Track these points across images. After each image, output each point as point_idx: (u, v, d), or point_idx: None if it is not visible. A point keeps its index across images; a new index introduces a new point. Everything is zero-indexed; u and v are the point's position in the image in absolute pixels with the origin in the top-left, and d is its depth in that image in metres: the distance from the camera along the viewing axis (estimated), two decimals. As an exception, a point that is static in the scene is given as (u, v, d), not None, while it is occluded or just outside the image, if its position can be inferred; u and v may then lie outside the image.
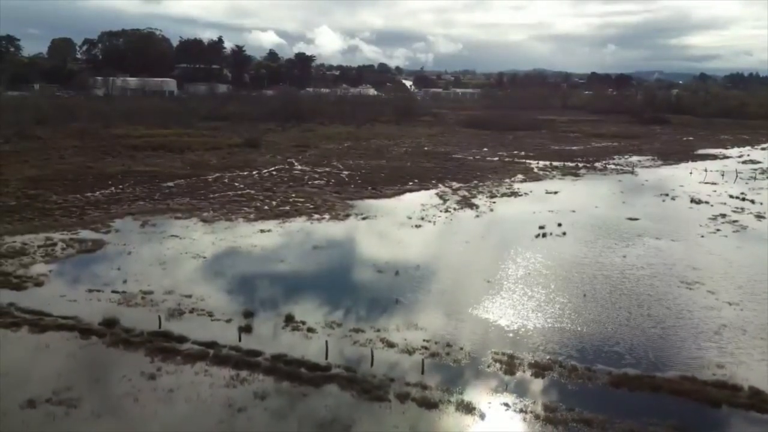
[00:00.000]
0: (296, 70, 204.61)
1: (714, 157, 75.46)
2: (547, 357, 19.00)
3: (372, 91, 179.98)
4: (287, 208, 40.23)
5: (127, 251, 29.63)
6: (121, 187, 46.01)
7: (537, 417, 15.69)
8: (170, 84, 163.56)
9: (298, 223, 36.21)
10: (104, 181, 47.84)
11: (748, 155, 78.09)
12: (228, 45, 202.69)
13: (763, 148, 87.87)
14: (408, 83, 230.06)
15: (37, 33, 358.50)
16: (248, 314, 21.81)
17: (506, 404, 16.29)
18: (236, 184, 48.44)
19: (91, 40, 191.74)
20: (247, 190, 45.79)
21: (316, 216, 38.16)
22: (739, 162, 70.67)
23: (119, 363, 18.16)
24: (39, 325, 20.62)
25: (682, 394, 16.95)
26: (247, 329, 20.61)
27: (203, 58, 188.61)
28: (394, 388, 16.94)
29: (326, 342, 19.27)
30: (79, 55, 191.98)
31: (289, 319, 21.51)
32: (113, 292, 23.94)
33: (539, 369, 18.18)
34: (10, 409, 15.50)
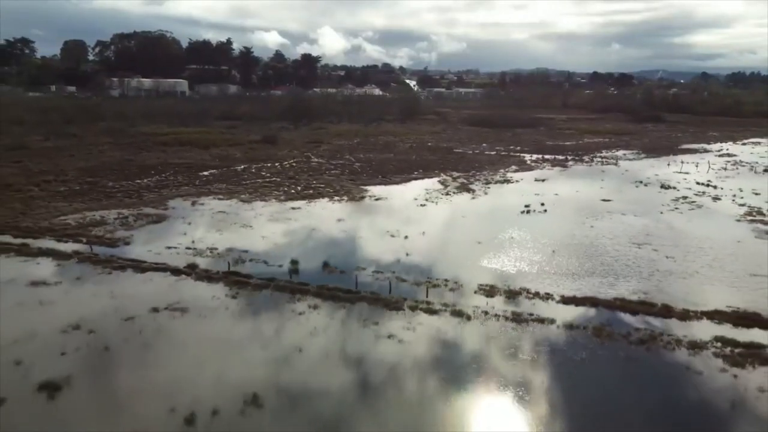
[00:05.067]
0: (302, 71, 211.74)
1: (695, 151, 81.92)
2: (518, 287, 25.75)
3: (377, 91, 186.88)
4: (311, 191, 47.10)
5: (186, 222, 36.55)
6: (163, 175, 52.96)
7: (506, 318, 22.51)
8: (182, 85, 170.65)
9: (322, 203, 43.07)
10: (147, 171, 54.78)
11: (727, 150, 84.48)
12: (236, 46, 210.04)
13: (743, 144, 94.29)
14: (412, 83, 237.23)
15: (41, 34, 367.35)
16: (294, 262, 28.59)
17: (486, 312, 23.08)
18: (263, 173, 55.31)
19: (104, 42, 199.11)
20: (274, 178, 52.64)
21: (336, 198, 45.00)
22: (716, 155, 77.22)
23: (207, 289, 25.05)
24: (140, 268, 27.56)
25: (612, 308, 23.72)
26: (294, 271, 27.45)
27: (212, 60, 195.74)
28: (407, 303, 23.77)
29: (356, 277, 26.16)
30: (91, 57, 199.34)
31: (325, 265, 28.36)
32: (186, 248, 30.84)
33: (511, 294, 24.98)
34: (142, 313, 22.37)
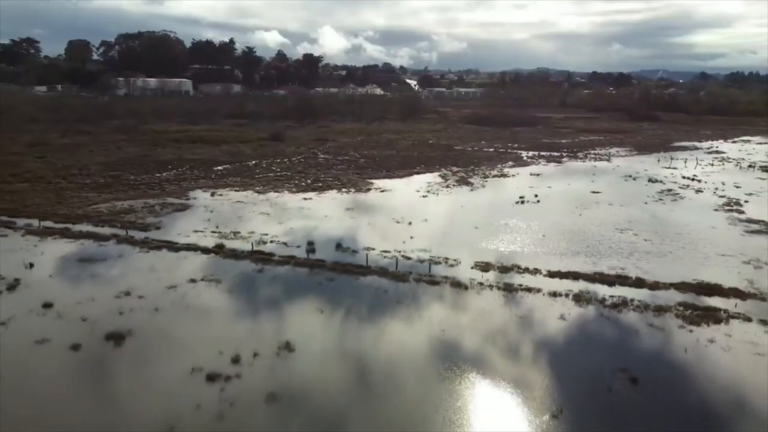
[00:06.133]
0: (304, 70, 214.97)
1: (686, 148, 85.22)
2: (510, 264, 29.08)
3: (378, 91, 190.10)
4: (320, 184, 50.45)
5: (209, 210, 39.88)
6: (180, 169, 56.28)
7: (499, 288, 25.86)
8: (187, 84, 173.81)
9: (332, 194, 46.41)
10: (164, 166, 58.08)
11: (717, 147, 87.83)
12: (238, 46, 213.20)
13: (734, 141, 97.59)
14: (413, 83, 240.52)
15: (42, 33, 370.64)
16: (310, 243, 31.94)
17: (481, 283, 26.44)
18: (273, 168, 58.64)
19: (108, 42, 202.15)
20: (284, 172, 55.98)
21: (344, 189, 48.34)
22: (705, 152, 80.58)
23: (236, 265, 28.39)
24: (173, 248, 30.90)
25: (592, 280, 27.01)
26: (311, 251, 30.76)
27: (215, 59, 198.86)
28: (412, 276, 27.12)
29: (366, 255, 29.48)
30: (96, 57, 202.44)
31: (338, 246, 31.68)
32: (212, 232, 34.18)
33: (504, 269, 28.31)
34: (181, 283, 25.71)
